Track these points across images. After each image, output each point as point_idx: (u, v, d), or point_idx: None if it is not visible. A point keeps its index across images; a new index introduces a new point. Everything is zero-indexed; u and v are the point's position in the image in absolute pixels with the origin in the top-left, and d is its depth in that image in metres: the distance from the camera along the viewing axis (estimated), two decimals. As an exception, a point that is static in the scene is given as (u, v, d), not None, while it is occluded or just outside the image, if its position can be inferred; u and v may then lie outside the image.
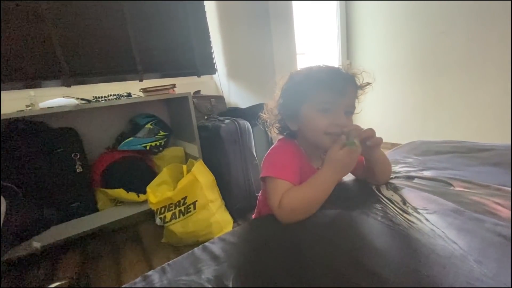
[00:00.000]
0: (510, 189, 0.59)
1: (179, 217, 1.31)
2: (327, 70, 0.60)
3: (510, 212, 0.50)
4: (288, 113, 0.63)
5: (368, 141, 0.58)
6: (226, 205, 1.49)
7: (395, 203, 0.58)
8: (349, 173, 0.78)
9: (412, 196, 0.61)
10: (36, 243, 1.20)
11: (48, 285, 1.09)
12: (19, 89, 1.52)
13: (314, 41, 2.64)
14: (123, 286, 0.42)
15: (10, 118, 1.28)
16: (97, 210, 1.59)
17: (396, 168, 0.81)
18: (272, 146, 0.67)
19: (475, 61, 1.95)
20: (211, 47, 2.18)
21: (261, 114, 0.70)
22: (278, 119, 0.66)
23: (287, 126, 0.65)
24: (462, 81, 2.04)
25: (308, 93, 0.59)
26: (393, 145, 2.17)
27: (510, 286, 0.34)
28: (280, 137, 0.69)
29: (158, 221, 1.53)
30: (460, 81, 2.06)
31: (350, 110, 0.60)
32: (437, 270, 0.37)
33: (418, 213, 0.53)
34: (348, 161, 0.55)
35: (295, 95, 0.61)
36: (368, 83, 0.62)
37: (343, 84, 0.58)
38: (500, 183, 0.61)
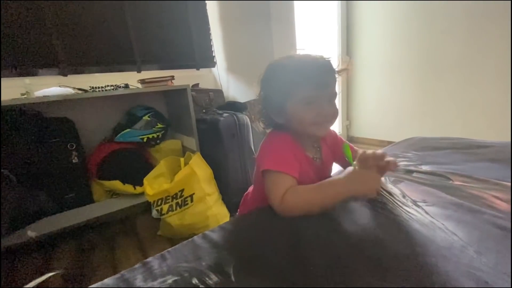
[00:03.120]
0: (508, 183, 0.59)
1: (175, 209, 1.30)
2: (307, 62, 0.60)
3: (508, 205, 0.50)
4: (273, 108, 0.63)
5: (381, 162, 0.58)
6: (223, 199, 1.48)
7: (395, 196, 0.58)
8: (339, 166, 0.78)
9: (411, 189, 0.61)
10: (31, 232, 1.18)
11: (42, 274, 1.08)
12: (14, 77, 1.49)
13: (314, 37, 2.63)
14: (122, 272, 0.41)
15: (4, 106, 1.26)
16: (92, 201, 1.58)
17: (395, 162, 0.81)
18: (265, 139, 0.66)
19: (473, 61, 1.96)
20: (211, 40, 2.16)
21: (247, 112, 0.70)
22: (262, 113, 0.66)
23: (272, 119, 0.64)
24: (460, 81, 2.06)
25: (292, 89, 0.59)
26: (389, 143, 2.18)
27: (510, 275, 0.34)
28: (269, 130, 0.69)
29: (154, 213, 1.52)
30: (457, 80, 2.07)
31: (332, 98, 0.61)
32: (438, 259, 0.38)
33: (418, 206, 0.53)
34: (370, 181, 0.52)
35: (278, 90, 0.60)
36: (345, 69, 0.62)
37: (324, 76, 0.59)
38: (498, 178, 0.62)
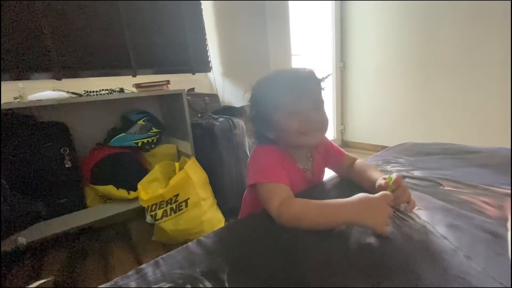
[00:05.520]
0: (496, 189, 0.61)
1: (170, 214, 1.29)
2: (287, 73, 0.62)
3: (497, 210, 0.51)
4: (263, 124, 0.64)
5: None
6: (218, 204, 1.48)
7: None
8: (337, 174, 0.78)
9: (404, 195, 0.62)
10: (22, 239, 1.16)
11: (33, 282, 1.06)
12: (7, 80, 1.47)
13: (309, 42, 2.67)
14: (115, 279, 0.41)
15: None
16: (85, 206, 1.55)
17: (387, 167, 0.83)
18: (253, 152, 0.67)
19: (465, 66, 2.01)
20: (207, 44, 2.17)
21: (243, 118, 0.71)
22: (253, 130, 0.68)
23: (264, 135, 0.66)
24: (452, 86, 2.10)
25: (274, 102, 0.60)
26: (383, 147, 2.21)
27: (497, 281, 0.35)
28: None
29: (148, 218, 1.51)
30: (450, 85, 2.12)
31: (318, 106, 0.61)
32: (429, 264, 0.38)
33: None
34: (378, 213, 0.46)
35: (264, 104, 0.62)
36: (328, 74, 0.64)
37: (303, 83, 0.60)
38: (487, 183, 0.64)
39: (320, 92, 0.63)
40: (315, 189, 0.69)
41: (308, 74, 0.61)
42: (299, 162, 0.68)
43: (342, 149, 0.76)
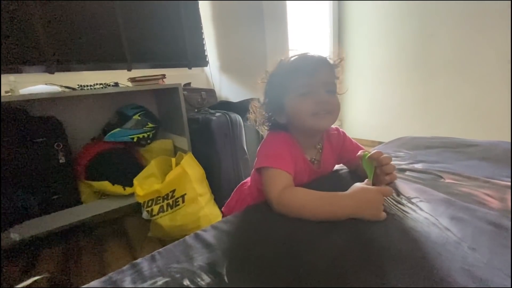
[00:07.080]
0: (497, 181, 0.60)
1: (167, 210, 1.28)
2: (300, 56, 0.63)
3: (499, 202, 0.51)
4: (275, 109, 0.65)
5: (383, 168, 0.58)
6: (215, 199, 1.47)
7: (389, 194, 0.58)
8: (342, 165, 0.78)
9: (405, 188, 0.61)
10: (15, 235, 1.14)
11: (27, 279, 1.04)
12: (-2, 73, 1.43)
13: (306, 39, 2.64)
14: (110, 274, 0.40)
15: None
16: (80, 202, 1.53)
17: (387, 161, 0.82)
18: (265, 138, 0.67)
19: (463, 62, 2.01)
20: (203, 39, 2.14)
21: (248, 115, 0.71)
22: (266, 117, 0.68)
23: (276, 122, 0.66)
24: (450, 82, 2.10)
25: (286, 84, 0.61)
26: (380, 143, 2.20)
27: (504, 271, 0.34)
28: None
29: (145, 214, 1.49)
30: (447, 81, 2.12)
31: (330, 89, 0.61)
32: (433, 256, 0.37)
33: (412, 203, 0.54)
34: (373, 204, 0.48)
35: (277, 88, 0.63)
36: (341, 59, 0.64)
37: (314, 64, 0.60)
38: (488, 176, 0.63)
39: (333, 78, 0.62)
40: (316, 180, 0.68)
41: (320, 58, 0.61)
42: (307, 152, 0.67)
43: (360, 145, 0.72)
